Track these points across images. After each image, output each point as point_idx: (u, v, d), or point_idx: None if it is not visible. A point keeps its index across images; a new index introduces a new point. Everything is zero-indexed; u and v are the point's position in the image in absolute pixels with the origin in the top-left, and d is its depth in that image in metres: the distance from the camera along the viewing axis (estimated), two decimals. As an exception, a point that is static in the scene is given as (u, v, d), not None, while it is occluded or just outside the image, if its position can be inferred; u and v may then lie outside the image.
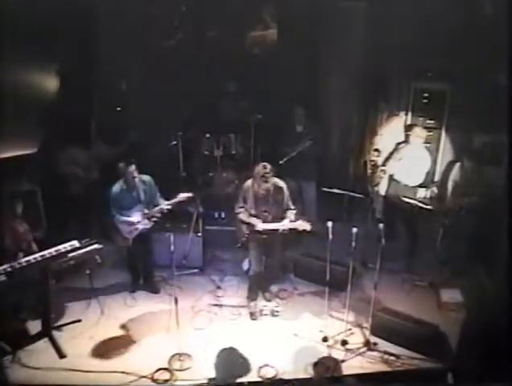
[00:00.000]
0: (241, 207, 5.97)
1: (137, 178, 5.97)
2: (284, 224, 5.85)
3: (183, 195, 6.10)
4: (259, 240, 5.96)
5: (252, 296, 6.28)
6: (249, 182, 5.95)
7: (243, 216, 5.93)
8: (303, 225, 5.79)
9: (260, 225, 5.86)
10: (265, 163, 5.74)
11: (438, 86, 7.43)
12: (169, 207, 6.09)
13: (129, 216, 6.03)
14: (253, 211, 5.95)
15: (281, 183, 5.93)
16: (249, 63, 8.05)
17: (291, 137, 7.21)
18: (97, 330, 5.82)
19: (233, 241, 6.30)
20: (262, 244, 6.02)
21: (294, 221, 5.82)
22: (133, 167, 5.93)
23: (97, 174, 7.15)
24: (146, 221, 6.09)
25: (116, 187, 6.02)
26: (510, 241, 4.35)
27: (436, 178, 6.87)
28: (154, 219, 6.14)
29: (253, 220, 5.89)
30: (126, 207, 6.04)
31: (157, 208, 6.08)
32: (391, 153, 7.01)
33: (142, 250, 6.34)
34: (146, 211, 6.06)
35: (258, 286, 6.33)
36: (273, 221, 5.88)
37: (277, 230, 5.87)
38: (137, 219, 6.05)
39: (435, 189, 6.78)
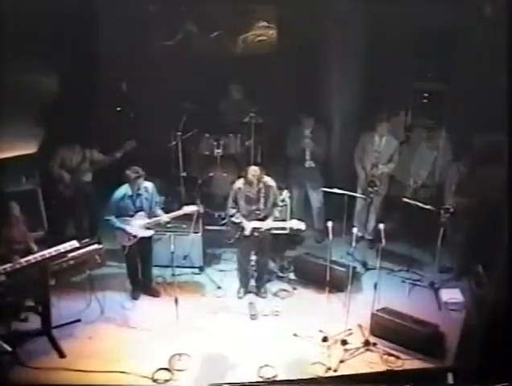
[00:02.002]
0: (234, 209, 6.10)
1: (141, 188, 5.99)
2: (277, 223, 6.05)
3: (187, 209, 6.11)
4: (250, 237, 6.06)
5: (242, 290, 6.42)
6: (238, 184, 6.07)
7: (236, 219, 6.06)
8: (297, 224, 5.93)
9: (252, 224, 6.00)
10: (255, 167, 5.99)
11: (438, 86, 7.43)
12: (170, 219, 6.10)
13: (129, 224, 6.02)
14: (244, 211, 6.06)
15: (271, 182, 6.10)
16: (250, 63, 8.05)
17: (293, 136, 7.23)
18: (97, 329, 5.82)
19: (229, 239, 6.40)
20: (253, 241, 6.10)
21: (283, 220, 6.01)
22: (141, 179, 5.95)
23: (98, 175, 7.13)
24: (145, 231, 6.09)
25: (120, 193, 6.00)
26: (510, 241, 4.35)
27: (436, 178, 6.87)
28: (154, 229, 6.17)
29: (245, 223, 6.01)
30: (128, 214, 6.03)
31: (156, 219, 6.07)
32: (392, 154, 7.02)
33: (141, 256, 6.31)
34: (146, 220, 6.05)
35: (248, 281, 6.41)
36: (264, 219, 6.04)
37: (269, 229, 6.07)
38: (135, 229, 6.02)
39: (435, 189, 6.78)
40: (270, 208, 6.11)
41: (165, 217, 6.07)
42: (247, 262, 6.30)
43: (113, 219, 6.02)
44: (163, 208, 6.35)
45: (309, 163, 7.12)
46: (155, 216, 6.11)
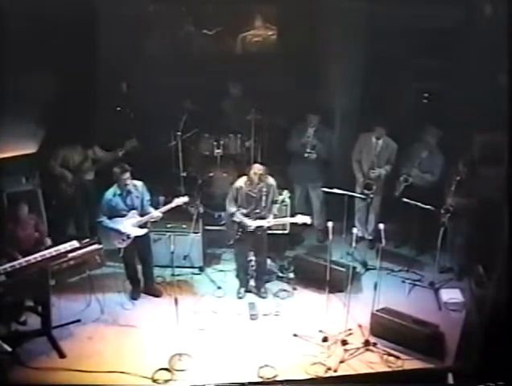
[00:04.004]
0: (234, 207, 6.10)
1: (129, 185, 5.95)
2: (281, 220, 6.19)
3: (178, 200, 6.11)
4: (250, 237, 6.09)
5: (242, 290, 6.43)
6: (239, 183, 6.07)
7: (237, 217, 6.06)
8: (302, 219, 5.96)
9: (255, 222, 6.02)
10: (259, 165, 6.03)
11: (438, 86, 7.42)
12: (162, 214, 6.08)
13: (121, 224, 6.00)
14: (244, 210, 6.06)
15: (271, 181, 6.11)
16: (250, 63, 8.05)
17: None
18: (97, 329, 5.82)
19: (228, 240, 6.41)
20: (252, 241, 6.15)
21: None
22: (127, 175, 5.90)
23: (100, 175, 7.12)
24: (138, 229, 6.07)
25: (110, 193, 6.00)
26: (510, 241, 4.35)
27: (436, 178, 6.86)
28: (148, 226, 6.15)
29: (247, 220, 6.02)
30: (120, 214, 6.02)
31: (149, 216, 6.05)
32: (389, 157, 7.00)
33: (139, 256, 6.31)
34: (139, 218, 6.04)
35: (247, 281, 6.44)
36: (264, 218, 6.07)
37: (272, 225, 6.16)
38: (128, 228, 6.01)
39: (435, 190, 6.77)
40: (270, 206, 6.13)
41: (157, 212, 6.06)
42: (246, 262, 6.31)
43: (105, 220, 6.01)
44: (150, 204, 6.31)
45: (310, 160, 7.07)
46: (148, 213, 6.09)
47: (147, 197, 6.17)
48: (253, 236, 6.10)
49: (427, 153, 6.79)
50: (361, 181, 7.05)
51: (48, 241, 5.90)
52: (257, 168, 5.99)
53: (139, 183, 6.11)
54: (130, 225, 6.02)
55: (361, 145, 7.07)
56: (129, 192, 6.00)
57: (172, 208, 6.12)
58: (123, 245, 6.07)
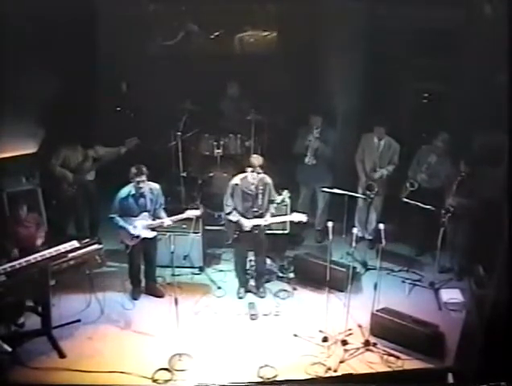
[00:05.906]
0: (230, 206, 6.10)
1: (144, 187, 5.95)
2: (277, 218, 6.12)
3: (190, 213, 6.10)
4: (248, 236, 6.08)
5: (242, 290, 6.42)
6: (235, 180, 6.08)
7: (233, 217, 6.06)
8: (298, 217, 5.95)
9: (251, 222, 6.01)
10: (257, 155, 6.07)
11: (438, 86, 7.42)
12: (172, 222, 6.09)
13: (131, 224, 6.01)
14: (241, 209, 6.07)
15: (267, 179, 6.11)
16: (250, 63, 8.05)
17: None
18: (97, 329, 5.82)
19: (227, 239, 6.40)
20: (251, 241, 6.14)
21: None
22: (143, 177, 5.88)
23: (101, 174, 7.11)
24: (148, 231, 6.07)
25: (124, 192, 6.00)
26: (510, 241, 4.35)
27: (436, 178, 6.86)
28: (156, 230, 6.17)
29: (243, 220, 6.02)
30: (131, 214, 6.02)
31: (159, 222, 6.06)
32: (392, 156, 7.00)
33: (145, 256, 6.31)
34: (149, 221, 6.04)
35: (247, 280, 6.45)
36: (261, 216, 6.07)
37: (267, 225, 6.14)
38: (138, 229, 6.01)
39: (434, 189, 6.77)
40: (267, 205, 6.12)
41: (168, 221, 6.06)
42: (244, 262, 6.31)
43: (116, 217, 6.02)
44: (163, 208, 6.34)
45: (313, 162, 7.07)
46: (159, 217, 6.10)
47: (161, 200, 6.18)
48: (251, 236, 6.10)
49: (435, 158, 6.77)
50: (364, 181, 7.05)
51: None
52: (256, 157, 6.02)
53: (156, 186, 6.12)
54: (140, 226, 6.03)
55: (364, 145, 7.06)
56: (142, 194, 6.00)
57: (183, 219, 6.15)
58: (132, 243, 6.08)
